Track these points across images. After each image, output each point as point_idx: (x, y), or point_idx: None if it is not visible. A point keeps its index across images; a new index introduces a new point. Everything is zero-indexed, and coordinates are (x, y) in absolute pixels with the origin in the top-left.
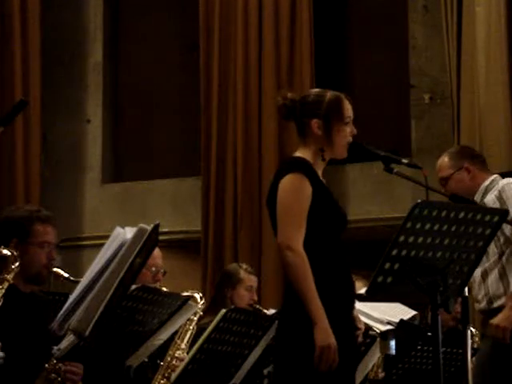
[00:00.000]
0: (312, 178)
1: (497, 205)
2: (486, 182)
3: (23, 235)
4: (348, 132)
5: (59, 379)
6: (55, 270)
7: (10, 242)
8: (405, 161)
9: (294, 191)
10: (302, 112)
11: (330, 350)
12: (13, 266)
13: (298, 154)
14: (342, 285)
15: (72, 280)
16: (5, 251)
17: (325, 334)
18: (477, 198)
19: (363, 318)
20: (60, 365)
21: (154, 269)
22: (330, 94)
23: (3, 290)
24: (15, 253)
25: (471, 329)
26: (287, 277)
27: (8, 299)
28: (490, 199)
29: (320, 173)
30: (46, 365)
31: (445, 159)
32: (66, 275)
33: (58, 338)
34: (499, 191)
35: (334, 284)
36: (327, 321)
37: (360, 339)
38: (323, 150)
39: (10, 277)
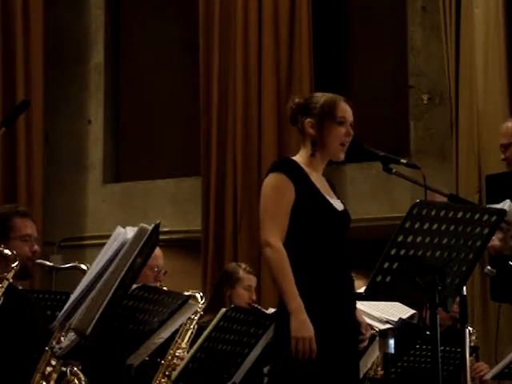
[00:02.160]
0: (297, 177)
1: None
2: None
3: (4, 231)
4: (342, 133)
5: (61, 361)
6: (39, 261)
7: None
8: (403, 161)
9: (273, 190)
10: (300, 112)
11: (305, 341)
12: (12, 265)
13: (297, 155)
14: (333, 283)
15: (57, 268)
16: (6, 251)
17: (300, 325)
18: None
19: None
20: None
21: (156, 269)
22: (326, 96)
23: (3, 289)
24: (15, 252)
25: (469, 328)
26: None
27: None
28: None
29: (317, 173)
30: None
31: (508, 125)
32: (51, 264)
33: (48, 334)
34: None
35: (323, 282)
36: (305, 312)
37: (365, 344)
38: (315, 150)
39: (9, 276)
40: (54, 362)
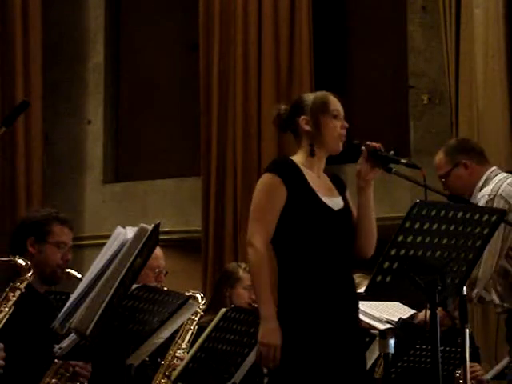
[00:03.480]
0: (290, 178)
1: (485, 199)
2: (484, 176)
3: (41, 234)
4: (338, 125)
5: (67, 374)
6: (68, 270)
7: (27, 240)
8: (404, 161)
9: (262, 191)
10: (292, 114)
11: (270, 349)
12: (26, 276)
13: (296, 155)
14: (328, 283)
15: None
16: (19, 261)
17: (269, 331)
18: (475, 193)
19: (362, 317)
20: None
21: (157, 270)
22: (315, 93)
23: (15, 298)
24: (29, 263)
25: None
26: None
27: (24, 298)
28: (484, 192)
29: (317, 172)
30: (56, 360)
31: (441, 156)
32: (79, 276)
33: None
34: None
35: (316, 283)
36: (276, 320)
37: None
38: (313, 145)
39: (22, 286)
40: (61, 374)
